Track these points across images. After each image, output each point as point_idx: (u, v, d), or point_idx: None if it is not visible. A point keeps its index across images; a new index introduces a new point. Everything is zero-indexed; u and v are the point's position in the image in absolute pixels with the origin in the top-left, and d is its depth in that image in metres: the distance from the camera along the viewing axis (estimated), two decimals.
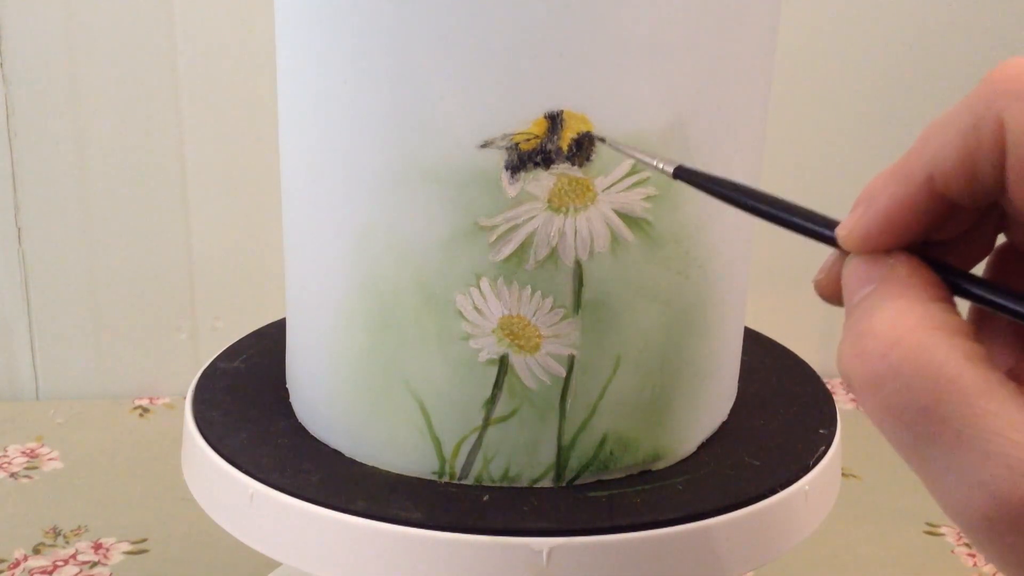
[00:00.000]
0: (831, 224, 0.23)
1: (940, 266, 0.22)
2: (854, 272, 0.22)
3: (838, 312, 0.23)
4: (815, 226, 0.24)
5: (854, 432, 0.46)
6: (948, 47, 0.75)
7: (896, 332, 0.20)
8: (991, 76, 0.20)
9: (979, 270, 0.24)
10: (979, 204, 0.21)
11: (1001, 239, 0.23)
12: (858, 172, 0.43)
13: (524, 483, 0.34)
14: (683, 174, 0.28)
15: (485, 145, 0.31)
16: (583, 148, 0.31)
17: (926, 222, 0.22)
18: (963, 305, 0.22)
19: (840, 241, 0.23)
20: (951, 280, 0.21)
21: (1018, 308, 0.20)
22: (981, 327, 0.23)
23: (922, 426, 0.19)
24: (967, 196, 0.21)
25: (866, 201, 0.22)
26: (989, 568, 0.57)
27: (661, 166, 0.29)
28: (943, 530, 0.60)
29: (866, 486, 0.66)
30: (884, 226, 0.22)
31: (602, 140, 0.31)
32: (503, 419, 0.34)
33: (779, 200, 0.25)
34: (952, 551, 0.59)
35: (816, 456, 0.37)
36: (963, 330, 0.20)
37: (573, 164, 0.31)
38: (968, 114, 0.20)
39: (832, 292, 0.24)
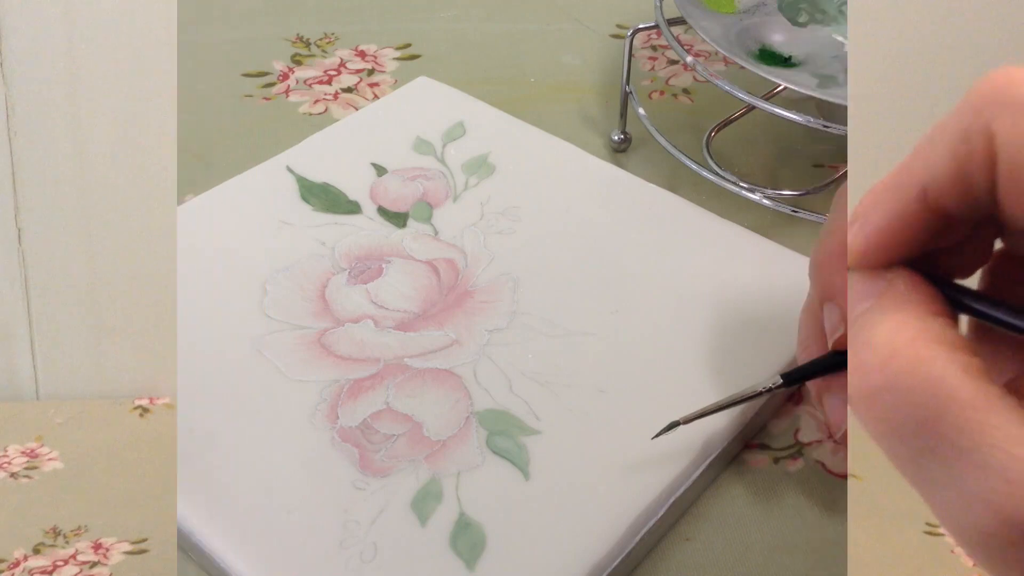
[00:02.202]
0: None
1: (940, 281, 0.21)
2: (853, 288, 0.22)
3: None
4: None
5: (854, 432, 0.46)
6: (951, 46, 0.75)
7: (893, 345, 0.20)
8: (979, 86, 0.20)
9: (976, 277, 0.24)
10: (974, 214, 0.21)
11: (999, 245, 0.23)
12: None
13: None
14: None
15: None
16: None
17: (923, 235, 0.21)
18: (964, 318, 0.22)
19: None
20: (951, 295, 0.21)
21: (1017, 323, 0.20)
22: (982, 340, 0.23)
23: (919, 440, 0.19)
24: (961, 207, 0.21)
25: (862, 217, 0.22)
26: None
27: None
28: (944, 531, 0.60)
29: (866, 486, 0.65)
30: (880, 241, 0.21)
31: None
32: None
33: None
34: (952, 551, 0.58)
35: None
36: (961, 344, 0.20)
37: None
38: (958, 125, 0.20)
39: None
